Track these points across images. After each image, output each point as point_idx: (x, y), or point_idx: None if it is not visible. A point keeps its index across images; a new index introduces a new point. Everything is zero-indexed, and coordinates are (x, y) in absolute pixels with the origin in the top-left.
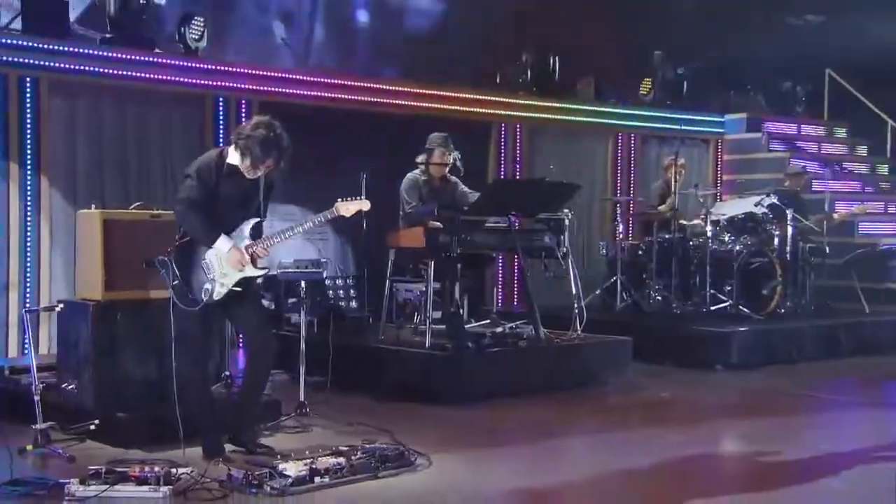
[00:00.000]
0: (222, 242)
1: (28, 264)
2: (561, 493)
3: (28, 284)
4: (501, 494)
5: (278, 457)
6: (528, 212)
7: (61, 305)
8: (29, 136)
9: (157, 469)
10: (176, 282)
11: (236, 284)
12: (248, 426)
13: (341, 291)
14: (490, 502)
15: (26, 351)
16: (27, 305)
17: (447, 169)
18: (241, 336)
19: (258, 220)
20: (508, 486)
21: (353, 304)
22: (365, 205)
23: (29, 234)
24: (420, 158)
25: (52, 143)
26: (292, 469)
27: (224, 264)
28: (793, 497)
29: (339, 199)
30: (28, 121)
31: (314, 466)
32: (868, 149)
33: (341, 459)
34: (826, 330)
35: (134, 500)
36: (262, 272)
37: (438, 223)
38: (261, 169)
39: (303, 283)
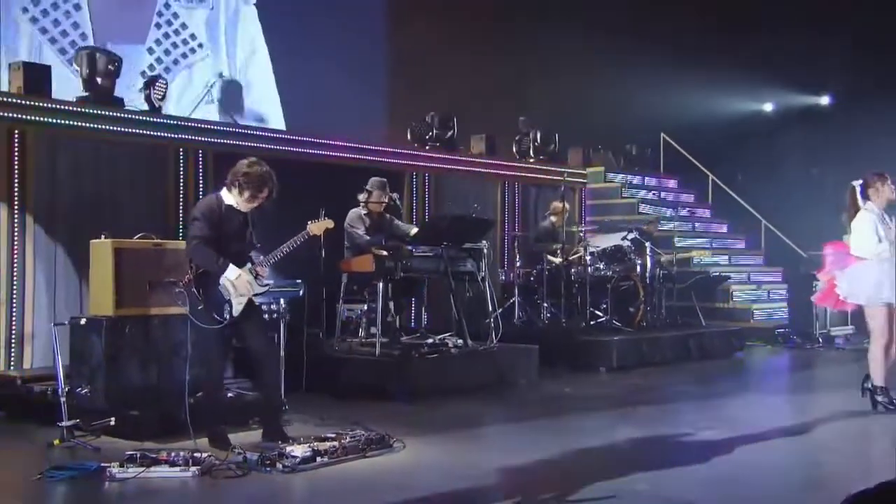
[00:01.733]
0: (231, 271)
1: (14, 289)
2: (509, 466)
3: (14, 306)
4: (467, 467)
5: (288, 441)
6: (457, 242)
7: (84, 320)
8: (17, 181)
9: (182, 454)
10: (200, 307)
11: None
12: (276, 418)
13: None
14: (463, 473)
15: (12, 364)
16: (14, 324)
17: (383, 206)
18: (246, 345)
19: (254, 246)
20: (471, 461)
21: None
22: (330, 223)
23: (16, 263)
24: (361, 197)
25: (36, 187)
26: (298, 451)
27: (237, 286)
28: (691, 465)
29: (310, 222)
30: (16, 168)
31: (316, 448)
32: (695, 197)
33: (335, 443)
34: (679, 339)
35: (168, 478)
36: (265, 288)
37: (384, 251)
38: (258, 200)
39: (282, 301)
